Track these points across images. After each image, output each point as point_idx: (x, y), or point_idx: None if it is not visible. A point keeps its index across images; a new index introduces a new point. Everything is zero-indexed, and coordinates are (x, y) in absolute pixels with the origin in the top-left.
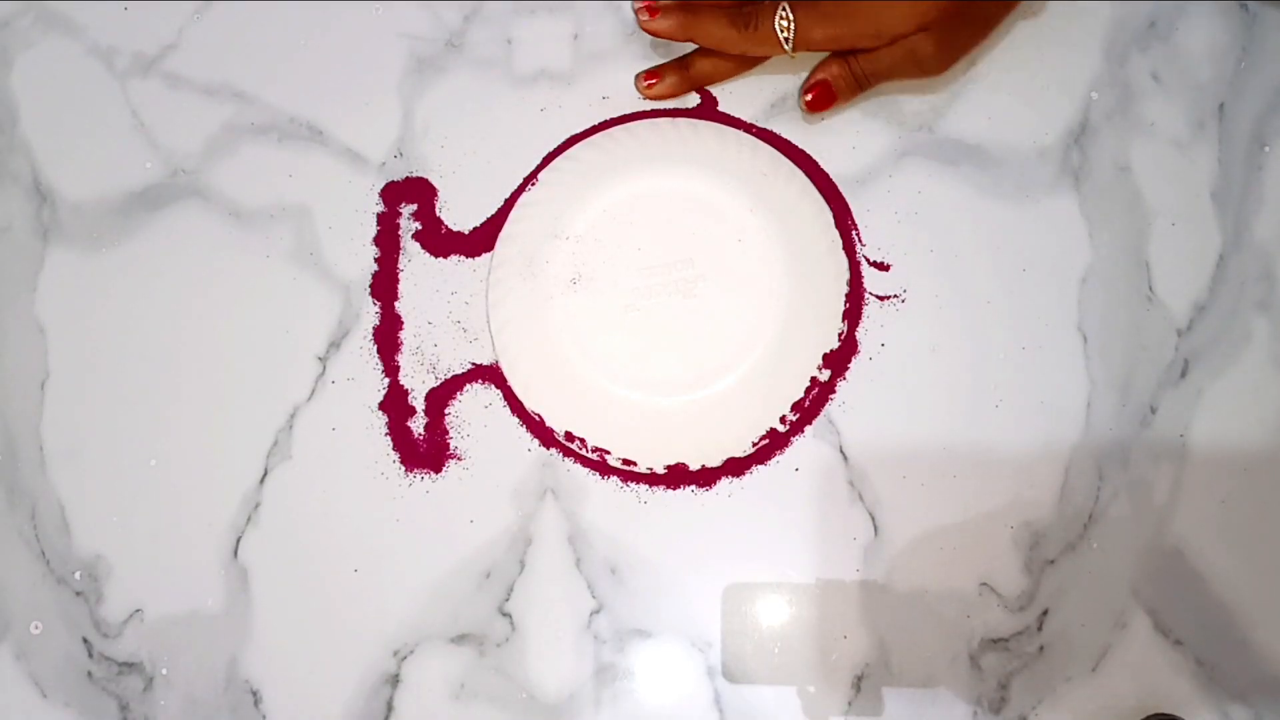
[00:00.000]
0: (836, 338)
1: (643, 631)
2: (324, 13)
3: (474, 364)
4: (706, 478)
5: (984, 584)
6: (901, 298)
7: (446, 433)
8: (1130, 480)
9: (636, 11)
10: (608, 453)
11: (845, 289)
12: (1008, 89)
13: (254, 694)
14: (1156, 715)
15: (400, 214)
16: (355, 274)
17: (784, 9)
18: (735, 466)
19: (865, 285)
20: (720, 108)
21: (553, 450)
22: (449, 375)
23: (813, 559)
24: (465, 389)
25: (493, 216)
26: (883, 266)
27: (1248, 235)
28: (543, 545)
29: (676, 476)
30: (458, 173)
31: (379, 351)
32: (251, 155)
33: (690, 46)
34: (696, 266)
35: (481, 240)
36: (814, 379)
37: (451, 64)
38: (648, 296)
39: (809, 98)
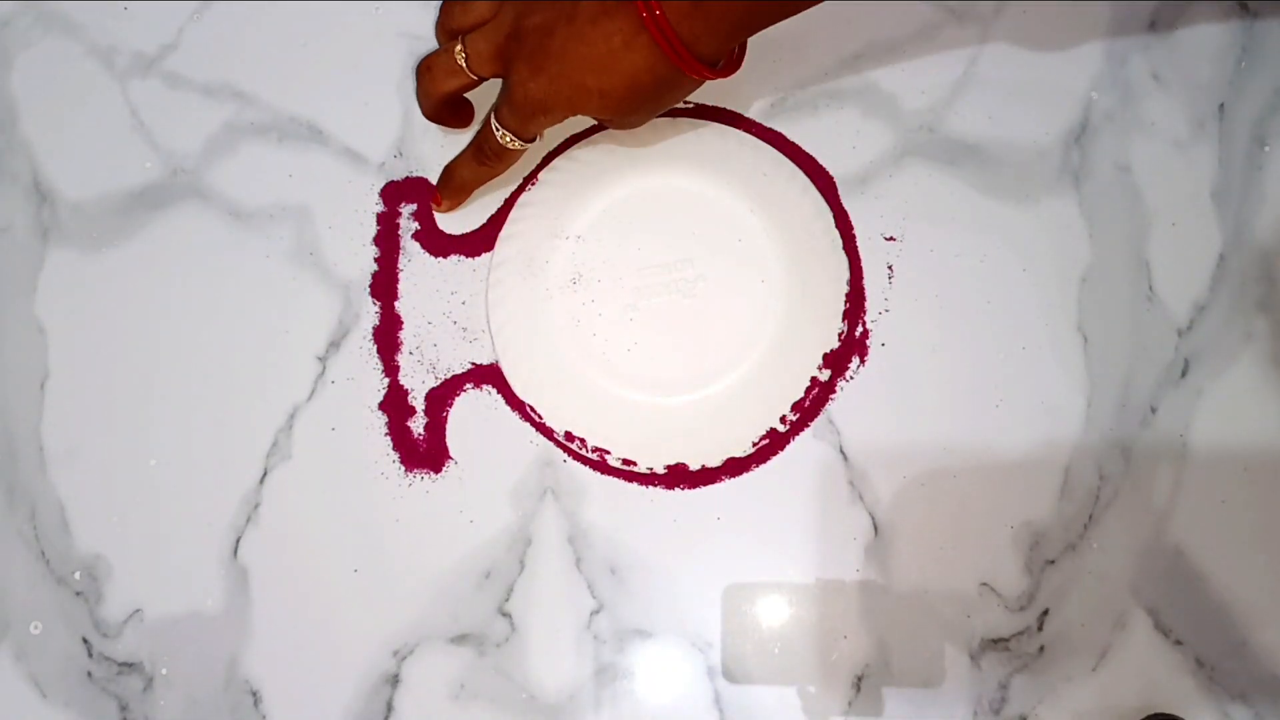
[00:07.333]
0: (836, 338)
1: (643, 631)
2: (324, 13)
3: (474, 364)
4: (706, 478)
5: (984, 584)
6: (901, 297)
7: (446, 433)
8: (1130, 480)
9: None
10: (608, 453)
11: (845, 289)
12: (1008, 89)
13: (254, 694)
14: (1156, 715)
15: (400, 214)
16: (355, 274)
17: (494, 124)
18: (735, 466)
19: (865, 285)
20: (720, 107)
21: (553, 450)
22: (449, 375)
23: (813, 559)
24: (465, 389)
25: (493, 216)
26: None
27: (1248, 235)
28: (543, 545)
29: (676, 476)
30: None
31: (379, 351)
32: (251, 155)
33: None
34: (696, 266)
35: (481, 240)
36: (814, 379)
37: None
38: (648, 296)
39: (442, 205)
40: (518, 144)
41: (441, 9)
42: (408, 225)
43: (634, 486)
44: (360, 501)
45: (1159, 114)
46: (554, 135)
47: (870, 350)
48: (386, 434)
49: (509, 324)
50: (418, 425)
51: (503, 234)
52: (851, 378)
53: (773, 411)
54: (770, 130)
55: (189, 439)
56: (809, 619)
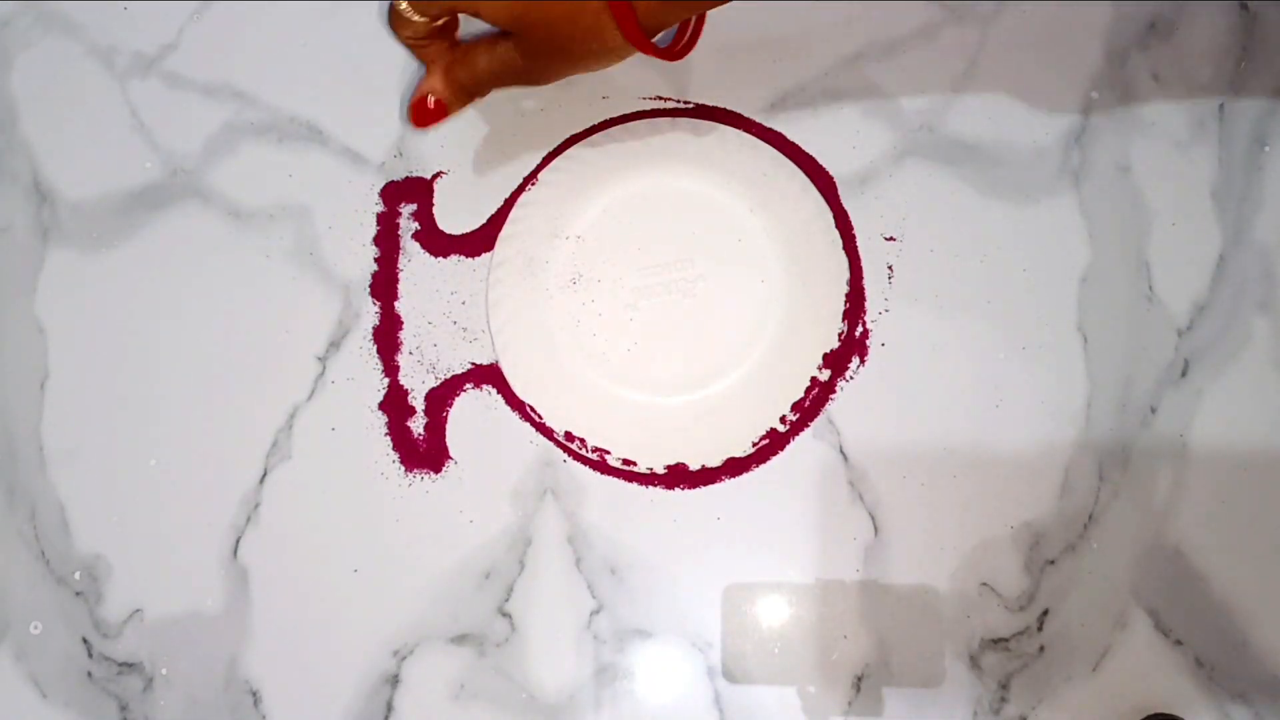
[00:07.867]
0: (836, 338)
1: (643, 631)
2: (324, 13)
3: (474, 364)
4: (706, 478)
5: (984, 584)
6: (901, 297)
7: (446, 433)
8: (1130, 480)
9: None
10: (608, 453)
11: (845, 289)
12: (1008, 89)
13: (254, 694)
14: (1156, 715)
15: (400, 214)
16: (355, 274)
17: None
18: (735, 466)
19: (865, 285)
20: (721, 107)
21: (553, 450)
22: (449, 375)
23: (813, 559)
24: (465, 389)
25: (493, 216)
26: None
27: (1248, 235)
28: (543, 545)
29: (676, 476)
30: (458, 172)
31: (379, 351)
32: (251, 155)
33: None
34: (696, 266)
35: (481, 240)
36: (814, 379)
37: None
38: (648, 296)
39: (412, 116)
40: (411, 14)
41: None
42: (408, 225)
43: (634, 486)
44: (360, 501)
45: (1159, 114)
46: (554, 135)
47: (870, 350)
48: (386, 434)
49: (509, 324)
50: (418, 425)
51: (503, 234)
52: (851, 378)
53: (773, 411)
54: (770, 130)
55: (189, 439)
56: (809, 619)
